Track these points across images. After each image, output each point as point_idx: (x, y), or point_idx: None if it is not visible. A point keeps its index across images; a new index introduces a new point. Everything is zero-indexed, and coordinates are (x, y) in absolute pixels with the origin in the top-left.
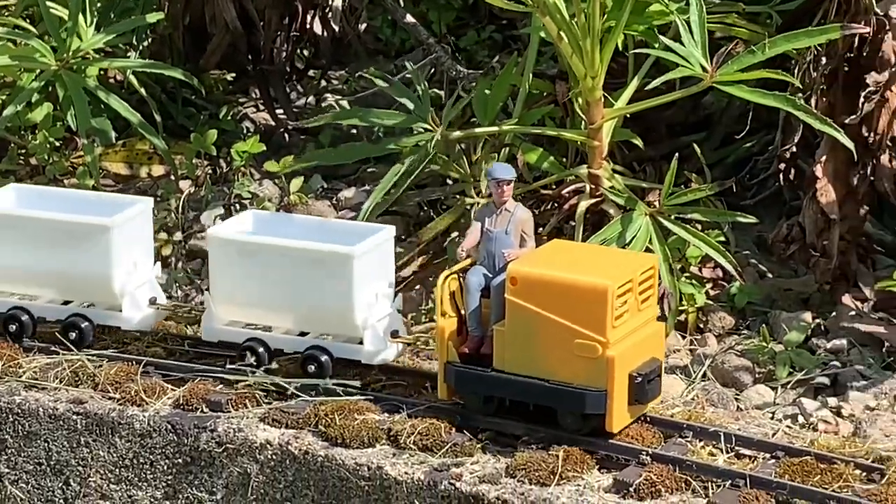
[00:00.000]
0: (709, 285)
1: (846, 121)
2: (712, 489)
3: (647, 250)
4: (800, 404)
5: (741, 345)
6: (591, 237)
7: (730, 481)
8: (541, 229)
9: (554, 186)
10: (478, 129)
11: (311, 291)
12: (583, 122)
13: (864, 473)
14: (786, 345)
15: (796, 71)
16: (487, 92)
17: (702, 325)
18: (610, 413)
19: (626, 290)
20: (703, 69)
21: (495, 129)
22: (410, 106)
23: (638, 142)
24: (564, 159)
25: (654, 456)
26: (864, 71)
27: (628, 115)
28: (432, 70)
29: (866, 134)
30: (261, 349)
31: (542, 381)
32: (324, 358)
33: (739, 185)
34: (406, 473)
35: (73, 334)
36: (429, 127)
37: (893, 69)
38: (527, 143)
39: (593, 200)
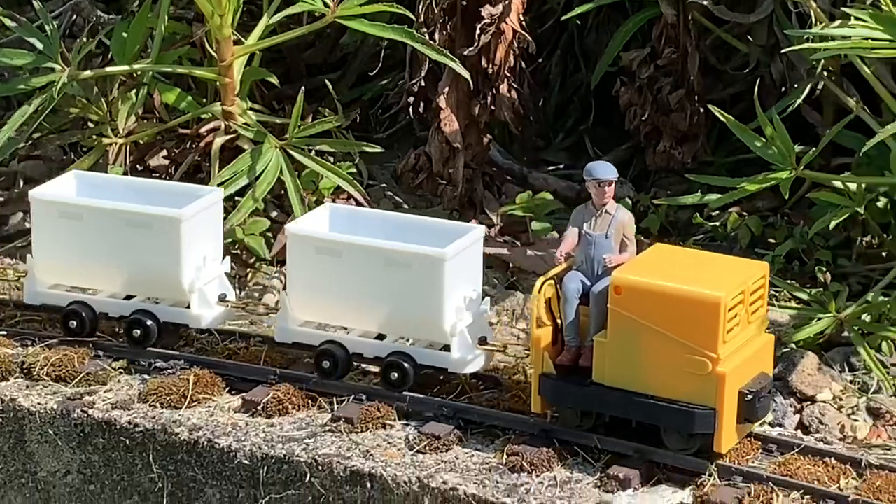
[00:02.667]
0: None
1: (465, 52)
2: (337, 404)
3: (280, 182)
4: None
5: None
6: (222, 170)
7: (353, 395)
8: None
9: (194, 126)
10: (108, 69)
11: (396, 294)
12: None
13: (482, 383)
14: None
15: (420, 6)
16: (125, 34)
17: None
18: (719, 433)
19: (737, 301)
20: (326, 4)
21: (126, 68)
22: (39, 46)
23: (273, 80)
24: (205, 100)
25: (282, 376)
26: (480, 4)
27: (259, 53)
28: (74, 16)
29: (485, 65)
30: (337, 352)
31: (646, 397)
32: (407, 365)
33: (373, 119)
34: (39, 404)
35: (138, 332)
36: (58, 67)
37: (506, 2)
38: (164, 84)
39: (228, 137)
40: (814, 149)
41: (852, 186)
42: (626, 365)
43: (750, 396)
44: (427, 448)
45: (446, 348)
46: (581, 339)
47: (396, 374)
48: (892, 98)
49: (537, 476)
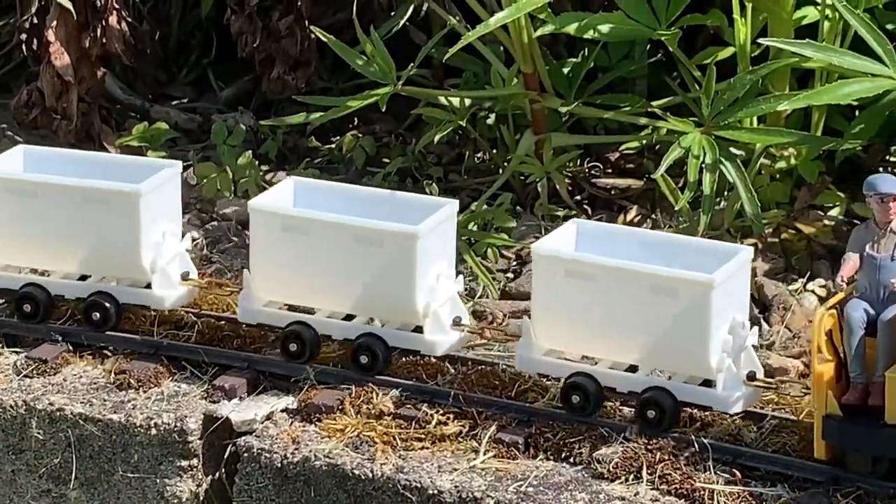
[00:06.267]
0: None
1: None
2: None
3: None
4: None
5: None
6: None
7: None
8: None
9: None
10: None
11: (654, 323)
12: None
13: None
14: None
15: None
16: None
17: None
18: None
19: None
20: None
21: None
22: None
23: None
24: None
25: None
26: None
27: None
28: None
29: None
30: (588, 386)
31: None
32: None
33: None
34: None
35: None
36: None
37: None
38: None
39: None
40: (412, 64)
41: (455, 102)
42: None
43: None
44: (34, 372)
45: (706, 383)
46: (869, 375)
47: (654, 412)
48: (488, 14)
49: (145, 392)
